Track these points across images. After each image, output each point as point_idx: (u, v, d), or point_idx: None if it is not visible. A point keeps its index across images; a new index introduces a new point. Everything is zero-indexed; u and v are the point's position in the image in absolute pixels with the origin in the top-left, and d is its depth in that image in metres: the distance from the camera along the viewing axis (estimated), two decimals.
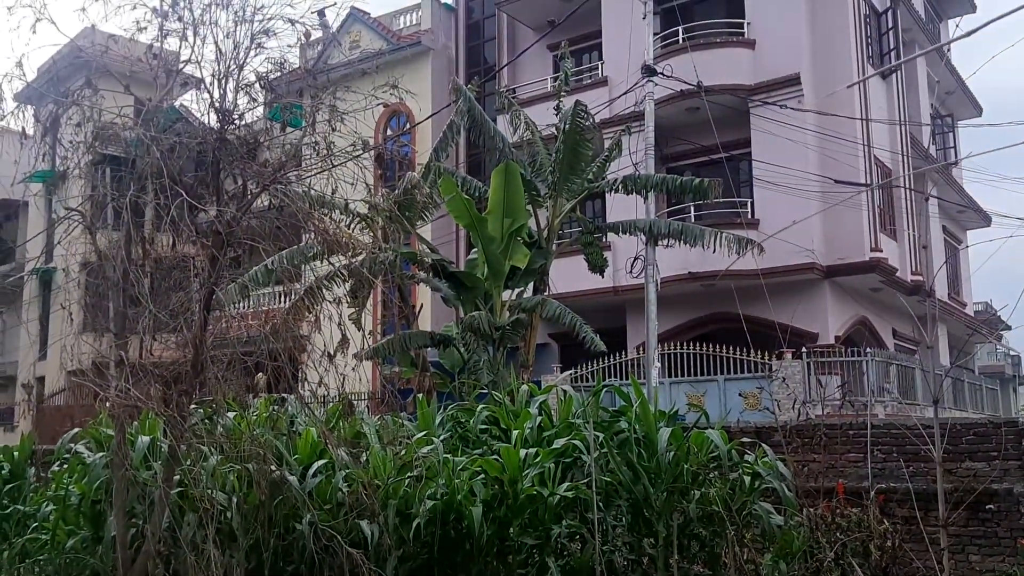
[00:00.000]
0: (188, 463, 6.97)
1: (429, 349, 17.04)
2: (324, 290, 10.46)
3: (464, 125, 17.00)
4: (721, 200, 17.92)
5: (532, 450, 7.49)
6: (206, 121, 7.38)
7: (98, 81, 7.91)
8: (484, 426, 8.75)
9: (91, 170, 7.83)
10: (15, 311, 39.07)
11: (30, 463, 10.99)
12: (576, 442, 7.67)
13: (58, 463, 9.59)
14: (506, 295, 16.08)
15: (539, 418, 8.28)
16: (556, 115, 17.15)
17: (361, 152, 7.06)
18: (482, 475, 7.30)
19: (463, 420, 9.03)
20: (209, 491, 6.78)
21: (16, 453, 10.94)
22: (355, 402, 10.66)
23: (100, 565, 7.83)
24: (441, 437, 8.15)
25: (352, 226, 14.29)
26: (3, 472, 10.75)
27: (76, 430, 9.62)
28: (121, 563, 6.79)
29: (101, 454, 8.21)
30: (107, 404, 7.50)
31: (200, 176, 6.96)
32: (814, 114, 20.47)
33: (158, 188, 6.69)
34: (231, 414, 7.60)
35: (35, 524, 9.19)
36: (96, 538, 7.94)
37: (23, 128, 7.66)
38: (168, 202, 6.34)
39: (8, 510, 10.07)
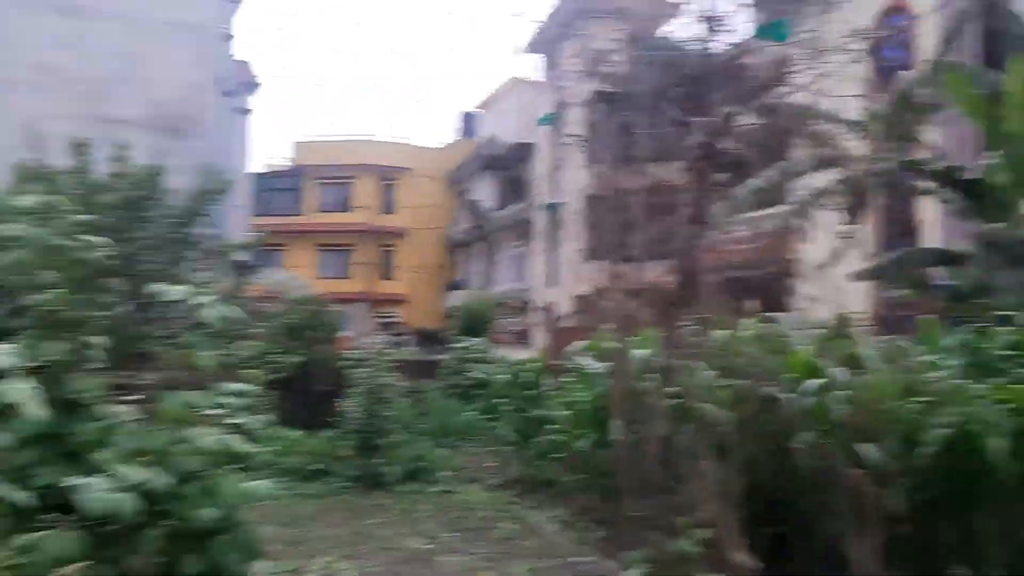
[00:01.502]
0: (683, 377, 7.14)
1: (936, 269, 15.40)
2: (817, 204, 9.94)
3: (975, 11, 14.75)
4: None
5: None
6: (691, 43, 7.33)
7: (594, 19, 8.32)
8: (1006, 352, 7.62)
9: (589, 99, 8.28)
10: (530, 243, 44.11)
11: (545, 374, 12.29)
12: None
13: (568, 374, 10.59)
14: None
15: None
16: None
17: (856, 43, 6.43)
18: (1007, 406, 6.36)
19: (979, 346, 7.97)
20: (704, 404, 6.88)
21: (535, 365, 12.31)
22: (852, 323, 10.02)
23: (605, 465, 8.48)
24: (953, 364, 7.28)
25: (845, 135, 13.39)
26: (525, 381, 12.18)
27: (582, 342, 10.49)
28: (623, 464, 7.24)
29: (603, 365, 8.82)
30: (608, 321, 7.96)
31: (687, 91, 6.95)
32: None
33: (650, 107, 6.83)
34: (722, 332, 7.61)
35: (551, 426, 10.29)
36: (602, 441, 8.60)
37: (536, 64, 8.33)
38: (661, 116, 6.43)
39: (530, 414, 11.41)
